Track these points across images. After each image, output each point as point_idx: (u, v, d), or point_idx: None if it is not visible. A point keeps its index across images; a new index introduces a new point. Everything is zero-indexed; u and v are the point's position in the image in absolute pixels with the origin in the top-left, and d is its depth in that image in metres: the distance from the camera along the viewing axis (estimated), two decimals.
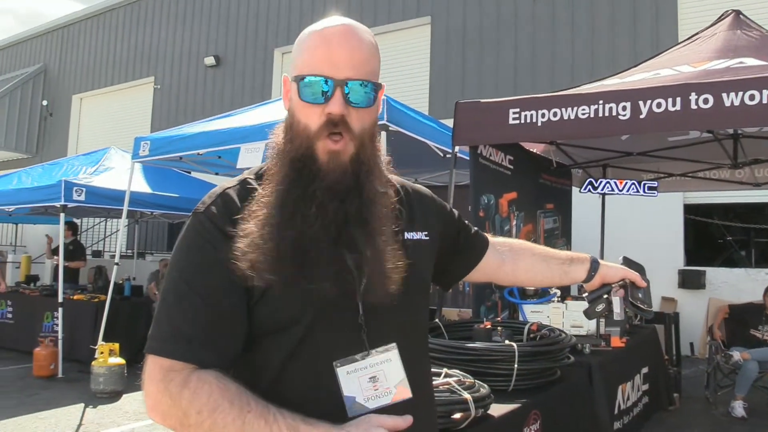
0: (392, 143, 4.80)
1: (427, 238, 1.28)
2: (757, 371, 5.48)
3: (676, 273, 8.65)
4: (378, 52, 1.15)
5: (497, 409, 2.31)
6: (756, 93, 3.28)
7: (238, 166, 5.36)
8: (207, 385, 1.00)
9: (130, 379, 6.33)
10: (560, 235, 6.06)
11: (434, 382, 1.94)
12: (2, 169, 16.73)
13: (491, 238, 1.53)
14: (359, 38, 1.10)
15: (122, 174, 7.65)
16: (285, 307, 1.07)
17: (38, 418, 5.34)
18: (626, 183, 5.51)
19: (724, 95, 3.37)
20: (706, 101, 3.42)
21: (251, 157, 5.20)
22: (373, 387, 1.08)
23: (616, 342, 3.93)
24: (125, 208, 6.89)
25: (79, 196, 7.05)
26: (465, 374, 2.28)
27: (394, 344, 1.12)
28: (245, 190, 1.13)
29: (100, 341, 6.54)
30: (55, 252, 8.78)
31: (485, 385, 2.26)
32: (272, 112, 5.68)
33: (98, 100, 17.84)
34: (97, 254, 14.44)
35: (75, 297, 7.82)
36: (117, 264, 7.02)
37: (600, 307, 1.50)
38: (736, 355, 5.57)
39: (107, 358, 6.20)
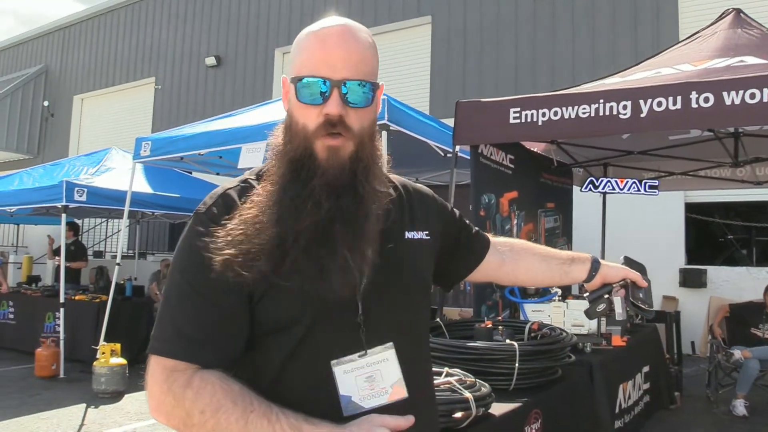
0: (393, 143, 4.80)
1: (428, 237, 1.28)
2: (758, 370, 5.48)
3: (677, 272, 8.65)
4: (376, 51, 1.15)
5: (498, 408, 2.31)
6: (756, 91, 3.28)
7: (239, 167, 5.36)
8: (210, 385, 1.01)
9: (131, 379, 6.34)
10: (561, 234, 6.06)
11: (435, 381, 1.95)
12: (3, 169, 16.75)
13: (492, 238, 1.53)
14: (356, 38, 1.10)
15: (123, 174, 7.65)
16: (285, 307, 1.07)
17: (40, 418, 5.35)
18: (627, 182, 5.51)
19: (725, 94, 3.37)
20: (706, 100, 3.42)
21: (252, 157, 5.20)
22: (370, 387, 1.08)
23: (617, 341, 3.93)
24: (126, 208, 6.90)
25: (80, 196, 7.06)
26: (466, 373, 2.29)
27: (391, 344, 1.12)
28: (246, 191, 1.13)
29: (101, 341, 6.55)
30: (56, 252, 8.80)
31: (486, 384, 2.26)
32: (273, 112, 5.69)
33: (99, 101, 17.85)
34: (99, 255, 14.45)
35: (76, 297, 7.83)
36: (118, 264, 7.03)
37: (601, 307, 1.49)
38: (737, 353, 5.57)
39: (109, 358, 6.21)
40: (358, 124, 1.10)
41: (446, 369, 2.28)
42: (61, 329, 7.08)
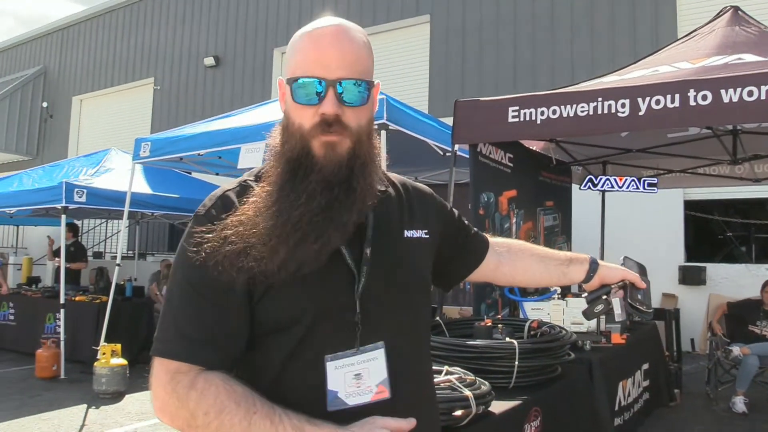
0: (392, 142, 4.80)
1: (427, 236, 1.28)
2: (758, 366, 5.49)
3: (677, 269, 8.66)
4: (371, 50, 1.15)
5: (498, 406, 2.32)
6: (754, 89, 3.29)
7: (239, 167, 5.36)
8: (214, 386, 1.02)
9: (132, 379, 6.34)
10: (560, 233, 6.07)
11: (435, 380, 1.96)
12: (3, 171, 16.75)
13: (490, 239, 1.53)
14: (350, 38, 1.10)
15: (123, 175, 7.65)
16: (285, 307, 1.08)
17: (41, 419, 5.36)
18: (626, 180, 5.51)
19: (723, 91, 3.37)
20: (704, 98, 3.42)
21: (252, 158, 5.21)
22: (356, 384, 1.09)
23: (617, 338, 3.94)
24: (126, 209, 6.90)
25: (80, 197, 7.06)
26: (466, 371, 2.30)
27: (381, 343, 1.12)
28: (244, 192, 1.14)
29: (102, 342, 6.56)
30: (56, 253, 8.80)
31: (486, 383, 2.27)
32: (272, 112, 5.69)
33: (98, 102, 17.85)
34: (98, 255, 14.46)
35: (77, 298, 7.84)
36: (118, 265, 7.03)
37: (599, 308, 1.49)
38: (736, 350, 5.58)
39: (109, 358, 6.22)
40: (355, 122, 1.10)
41: (446, 367, 2.29)
42: (62, 330, 7.08)
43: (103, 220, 14.12)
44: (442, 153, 5.51)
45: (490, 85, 10.60)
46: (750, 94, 3.30)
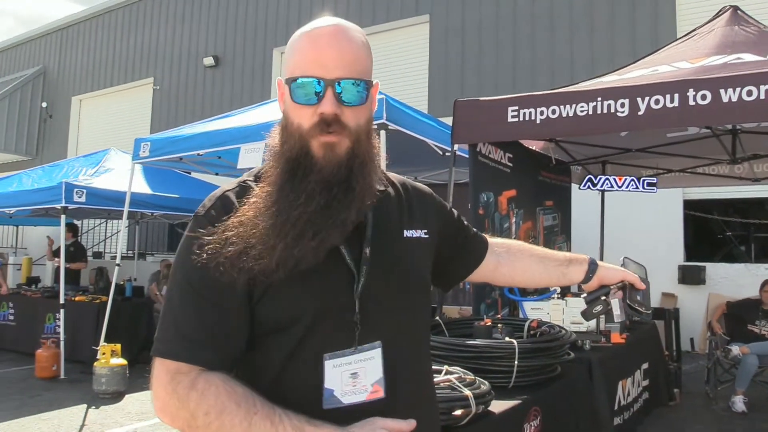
0: (392, 142, 4.81)
1: (427, 236, 1.28)
2: (757, 365, 5.50)
3: (676, 269, 8.67)
4: (369, 50, 1.15)
5: (498, 406, 2.32)
6: (753, 89, 3.29)
7: (238, 167, 5.36)
8: (214, 387, 1.02)
9: (132, 379, 6.35)
10: (560, 232, 6.07)
11: (435, 379, 1.96)
12: (2, 171, 16.74)
13: (489, 239, 1.53)
14: (349, 38, 1.11)
15: (122, 175, 7.65)
16: (285, 307, 1.08)
17: (41, 419, 5.36)
18: (625, 179, 5.51)
19: (722, 91, 3.37)
20: (704, 97, 3.42)
21: (251, 158, 5.21)
22: (352, 383, 1.09)
23: (616, 338, 3.94)
24: (126, 209, 6.90)
25: (79, 197, 7.06)
26: (465, 371, 2.30)
27: (379, 342, 1.12)
28: (244, 192, 1.14)
29: (101, 342, 6.56)
30: (56, 254, 8.80)
31: (486, 382, 2.27)
32: (272, 112, 5.70)
33: (97, 102, 17.85)
34: (98, 255, 14.45)
35: (76, 298, 7.84)
36: (118, 265, 7.03)
37: (597, 309, 1.49)
38: (735, 349, 5.59)
39: (109, 358, 6.22)
40: (354, 122, 1.10)
41: (446, 367, 2.30)
42: (62, 330, 7.08)
43: (103, 220, 14.12)
44: (441, 153, 5.51)
45: (489, 85, 10.60)
46: (749, 93, 3.30)
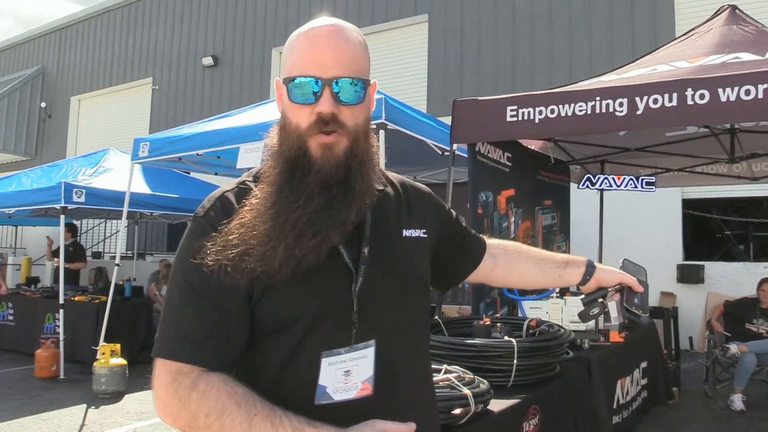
0: (391, 142, 4.81)
1: (426, 236, 1.29)
2: (755, 364, 5.51)
3: (675, 267, 8.68)
4: (367, 50, 1.16)
5: (497, 405, 2.33)
6: (752, 88, 3.30)
7: (238, 167, 5.37)
8: (215, 388, 1.03)
9: (131, 379, 6.35)
10: (558, 232, 6.08)
11: (434, 378, 1.97)
12: (1, 171, 16.74)
13: (487, 240, 1.54)
14: (346, 37, 1.11)
15: (122, 175, 7.65)
16: (286, 307, 1.08)
17: (41, 419, 5.37)
18: (624, 178, 5.52)
19: (720, 90, 3.38)
20: (702, 97, 3.43)
21: (250, 157, 5.21)
22: (344, 380, 1.10)
23: (615, 337, 3.95)
24: (125, 209, 6.90)
25: (79, 197, 7.06)
26: (465, 370, 2.31)
27: (373, 341, 1.13)
28: (243, 193, 1.15)
29: (101, 342, 6.56)
30: (55, 254, 8.80)
31: (485, 381, 2.28)
32: (271, 112, 5.69)
33: (96, 102, 17.85)
34: (97, 255, 14.45)
35: (76, 298, 7.84)
36: (117, 265, 7.04)
37: (595, 311, 1.48)
38: (733, 347, 5.61)
39: (109, 358, 6.22)
40: (352, 121, 1.11)
41: (445, 366, 2.30)
42: (61, 330, 7.08)
43: (102, 220, 14.12)
44: (440, 152, 5.52)
45: (488, 85, 10.61)
46: (747, 93, 3.31)
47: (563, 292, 4.08)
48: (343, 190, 1.08)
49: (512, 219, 4.94)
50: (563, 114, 3.82)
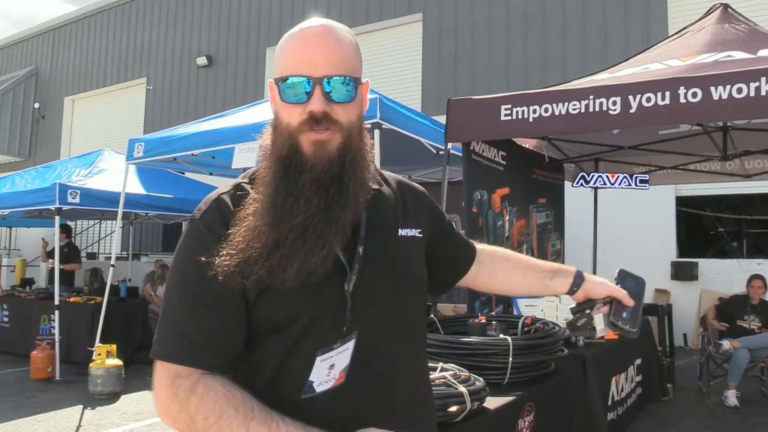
0: (385, 141, 4.82)
1: (421, 235, 1.29)
2: (748, 359, 5.55)
3: (669, 265, 8.72)
4: (358, 50, 1.16)
5: (492, 402, 2.35)
6: (743, 86, 3.33)
7: (233, 167, 5.37)
8: (213, 391, 1.03)
9: (127, 380, 6.34)
10: (553, 230, 6.11)
11: (431, 376, 1.98)
12: None
13: (477, 246, 1.54)
14: (337, 37, 1.12)
15: (116, 176, 7.64)
16: (284, 308, 1.09)
17: (37, 420, 5.36)
18: (618, 176, 5.55)
19: (713, 89, 3.41)
20: (694, 95, 3.46)
21: (245, 157, 5.21)
22: (328, 373, 1.10)
23: (610, 334, 3.94)
24: (120, 209, 6.89)
25: (73, 198, 7.04)
26: (460, 368, 2.32)
27: (355, 333, 1.12)
28: (239, 195, 1.15)
29: (97, 343, 6.55)
30: (50, 255, 8.77)
31: (480, 379, 2.30)
32: (265, 112, 5.69)
33: (90, 102, 17.78)
34: (92, 256, 14.41)
35: (71, 299, 7.81)
36: (112, 266, 7.02)
37: (581, 322, 1.45)
38: (726, 344, 5.65)
39: (104, 359, 6.21)
40: (345, 118, 1.11)
41: (441, 364, 2.32)
42: (56, 331, 7.06)
43: (97, 221, 14.08)
44: (435, 151, 5.53)
45: (482, 84, 10.63)
46: (739, 91, 3.34)
47: None
48: (338, 190, 1.08)
49: (507, 217, 4.96)
50: (557, 113, 3.84)
